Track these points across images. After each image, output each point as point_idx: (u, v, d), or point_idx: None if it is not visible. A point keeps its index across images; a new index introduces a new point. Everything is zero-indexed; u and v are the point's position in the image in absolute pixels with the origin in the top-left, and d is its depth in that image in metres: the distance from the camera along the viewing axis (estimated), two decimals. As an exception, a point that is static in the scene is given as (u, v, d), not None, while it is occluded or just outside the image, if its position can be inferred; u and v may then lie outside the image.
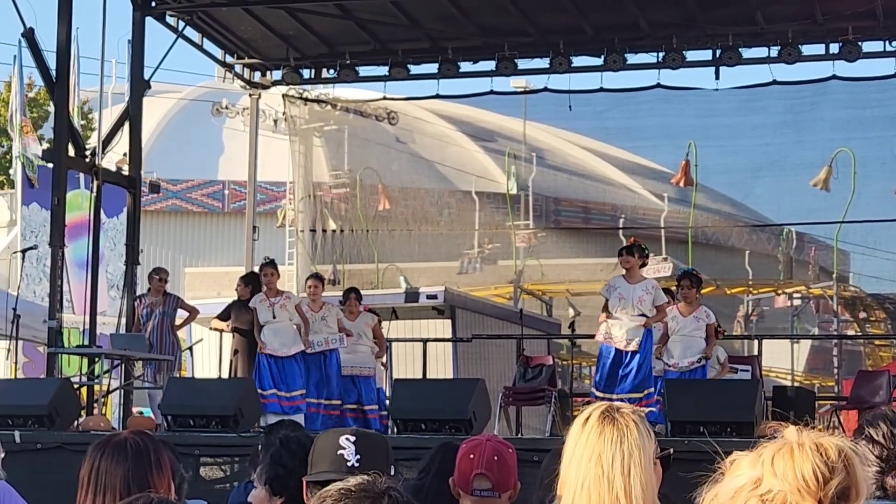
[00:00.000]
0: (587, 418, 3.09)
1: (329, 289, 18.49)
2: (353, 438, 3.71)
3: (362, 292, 16.24)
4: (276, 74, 20.30)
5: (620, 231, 27.24)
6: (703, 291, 27.10)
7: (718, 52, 18.04)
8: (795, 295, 28.59)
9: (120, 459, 3.85)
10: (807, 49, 17.96)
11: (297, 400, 14.75)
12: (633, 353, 13.02)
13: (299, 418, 13.63)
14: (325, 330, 15.03)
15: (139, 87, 17.13)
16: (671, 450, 3.22)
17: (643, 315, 13.07)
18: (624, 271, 13.35)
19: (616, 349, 13.08)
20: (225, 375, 16.52)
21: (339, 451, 3.68)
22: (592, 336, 26.16)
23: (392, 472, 3.69)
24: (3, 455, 6.71)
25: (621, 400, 11.87)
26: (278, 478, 4.79)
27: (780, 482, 2.27)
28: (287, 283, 20.70)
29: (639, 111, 23.63)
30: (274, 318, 14.83)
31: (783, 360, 21.63)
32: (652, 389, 13.08)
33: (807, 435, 2.32)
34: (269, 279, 15.07)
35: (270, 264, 15.28)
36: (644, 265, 13.55)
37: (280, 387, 14.68)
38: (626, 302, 13.08)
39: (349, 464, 3.68)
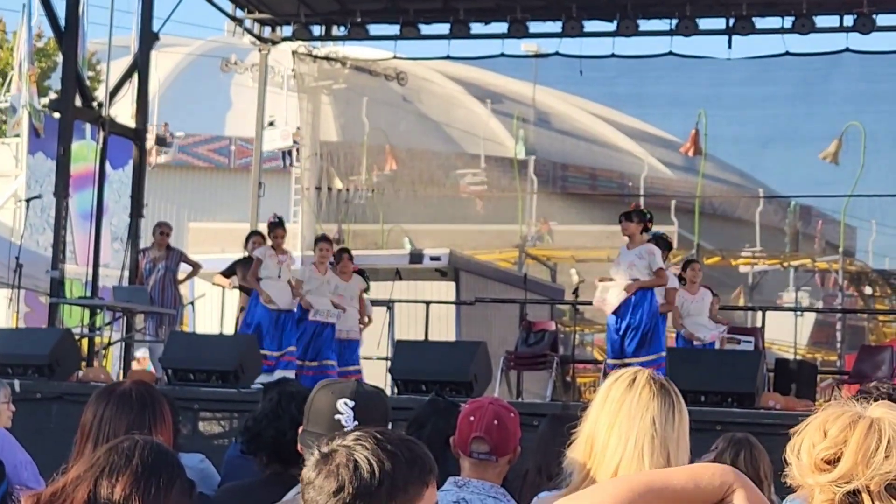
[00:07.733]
0: (633, 380, 3.31)
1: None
2: (351, 404, 3.59)
3: (366, 253, 16.15)
4: (287, 30, 20.18)
5: (627, 198, 27.17)
6: (708, 262, 27.27)
7: (732, 21, 17.91)
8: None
9: (125, 409, 3.85)
10: (820, 21, 17.82)
11: (288, 356, 14.69)
12: (618, 316, 12.90)
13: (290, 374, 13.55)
14: (329, 296, 14.88)
15: (148, 39, 17.04)
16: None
17: (636, 280, 12.94)
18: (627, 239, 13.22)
19: (612, 315, 13.04)
20: (227, 331, 16.46)
21: (336, 416, 3.59)
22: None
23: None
24: (13, 409, 6.73)
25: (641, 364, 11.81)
26: (248, 434, 4.72)
27: (846, 453, 2.35)
28: (291, 242, 20.66)
29: (649, 78, 23.48)
30: (279, 277, 14.84)
31: (786, 334, 21.58)
32: (664, 353, 12.81)
33: (877, 409, 2.39)
34: (277, 240, 15.05)
35: (280, 224, 15.17)
36: (647, 230, 13.23)
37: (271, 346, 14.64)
38: (619, 268, 12.99)
39: (346, 430, 3.62)
